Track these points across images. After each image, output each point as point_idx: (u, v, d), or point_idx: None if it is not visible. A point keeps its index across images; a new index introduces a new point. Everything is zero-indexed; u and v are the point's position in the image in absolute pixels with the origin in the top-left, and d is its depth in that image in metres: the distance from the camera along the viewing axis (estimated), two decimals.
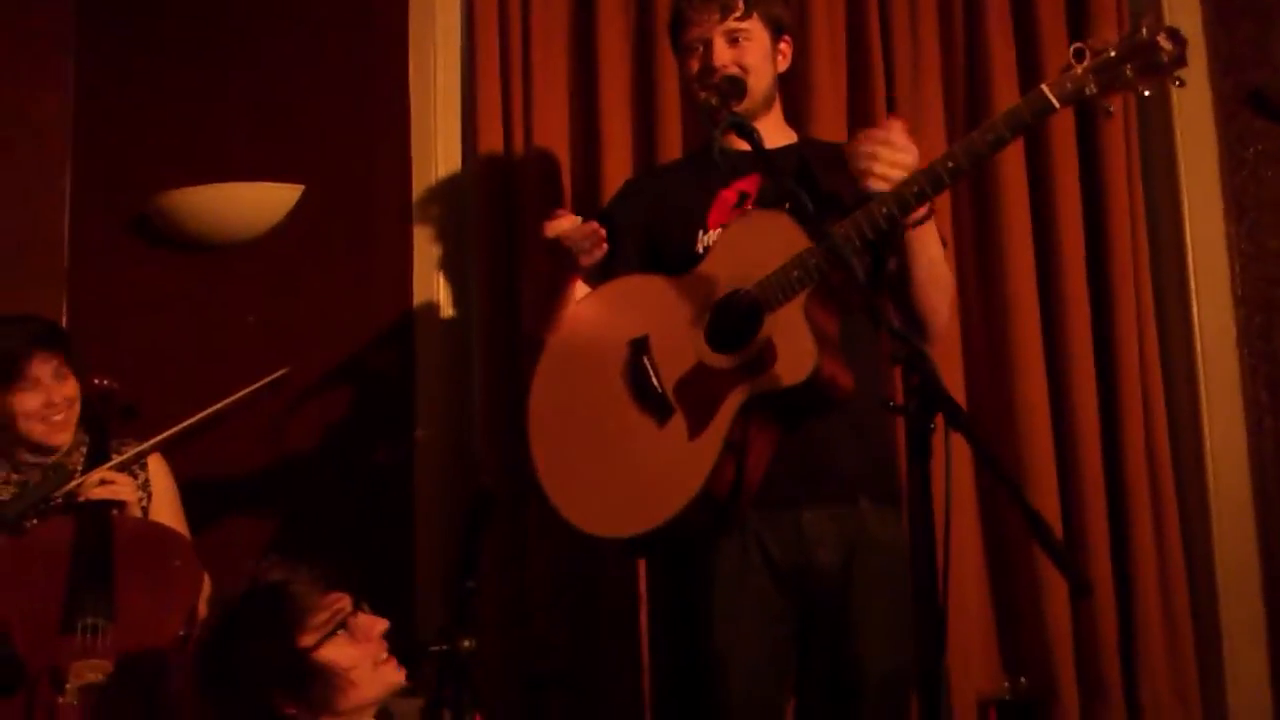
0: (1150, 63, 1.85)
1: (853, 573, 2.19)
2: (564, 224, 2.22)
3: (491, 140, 3.17)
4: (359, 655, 1.84)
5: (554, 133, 3.18)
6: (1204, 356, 2.93)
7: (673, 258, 2.31)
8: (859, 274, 1.99)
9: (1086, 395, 2.91)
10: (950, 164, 2.00)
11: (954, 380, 2.92)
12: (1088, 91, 1.89)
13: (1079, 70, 1.89)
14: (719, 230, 2.31)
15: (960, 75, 3.08)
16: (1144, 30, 1.86)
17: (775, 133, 2.40)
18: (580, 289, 2.36)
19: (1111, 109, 1.94)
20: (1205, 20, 3.01)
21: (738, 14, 2.33)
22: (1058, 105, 1.92)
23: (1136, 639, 2.84)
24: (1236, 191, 2.97)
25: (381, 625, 1.89)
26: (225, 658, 1.81)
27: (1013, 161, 2.97)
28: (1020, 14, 3.07)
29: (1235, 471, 2.89)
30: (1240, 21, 3.02)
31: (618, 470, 2.21)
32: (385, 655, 1.88)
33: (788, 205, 2.15)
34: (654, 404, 2.19)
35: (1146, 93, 1.91)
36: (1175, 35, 1.85)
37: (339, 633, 1.83)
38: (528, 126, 3.16)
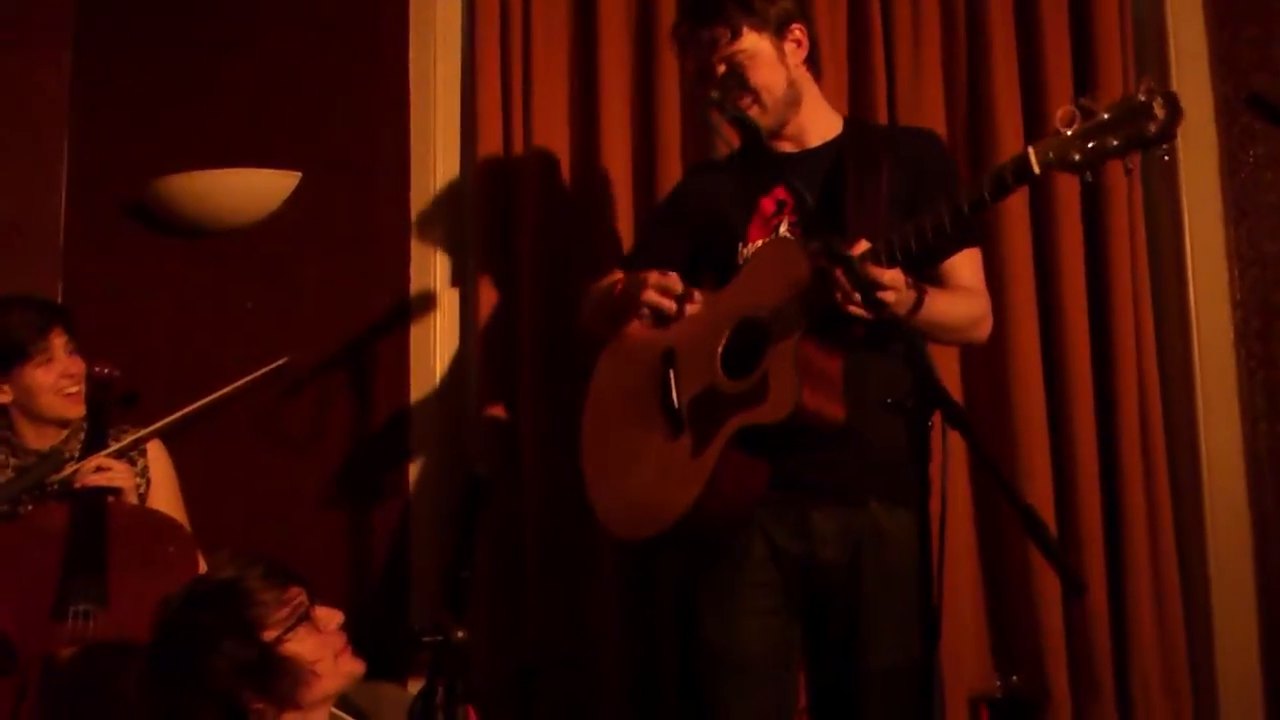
0: (1138, 133, 1.82)
1: (861, 569, 2.20)
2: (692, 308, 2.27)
3: (490, 133, 3.18)
4: (321, 647, 1.84)
5: (553, 128, 3.18)
6: (1201, 358, 2.93)
7: (716, 267, 2.32)
8: (843, 307, 1.99)
9: (1083, 396, 2.91)
10: (935, 222, 1.98)
11: (951, 380, 2.92)
12: (1073, 159, 1.87)
13: (1066, 135, 1.87)
14: (755, 245, 2.32)
15: (961, 75, 3.07)
16: (1142, 93, 1.83)
17: (815, 126, 2.38)
18: None
19: (1090, 179, 1.92)
20: (1207, 22, 3.00)
21: (727, 39, 2.29)
22: (1038, 172, 1.89)
23: (1129, 639, 2.85)
24: (1236, 194, 2.96)
25: (338, 617, 1.88)
26: (189, 657, 1.78)
27: None
28: (1022, 13, 3.06)
29: (1230, 474, 2.89)
30: (1242, 24, 3.01)
31: (636, 475, 2.28)
32: (344, 646, 1.88)
33: (805, 225, 2.18)
34: (671, 417, 2.25)
35: (1130, 168, 1.88)
36: (1172, 103, 1.82)
37: (301, 625, 1.83)
38: (527, 121, 3.16)
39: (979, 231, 2.42)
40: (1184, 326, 2.96)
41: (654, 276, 2.28)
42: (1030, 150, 1.90)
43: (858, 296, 1.98)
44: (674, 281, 2.27)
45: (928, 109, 3.02)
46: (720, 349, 2.20)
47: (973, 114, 3.05)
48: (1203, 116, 2.97)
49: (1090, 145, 1.85)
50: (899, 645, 2.11)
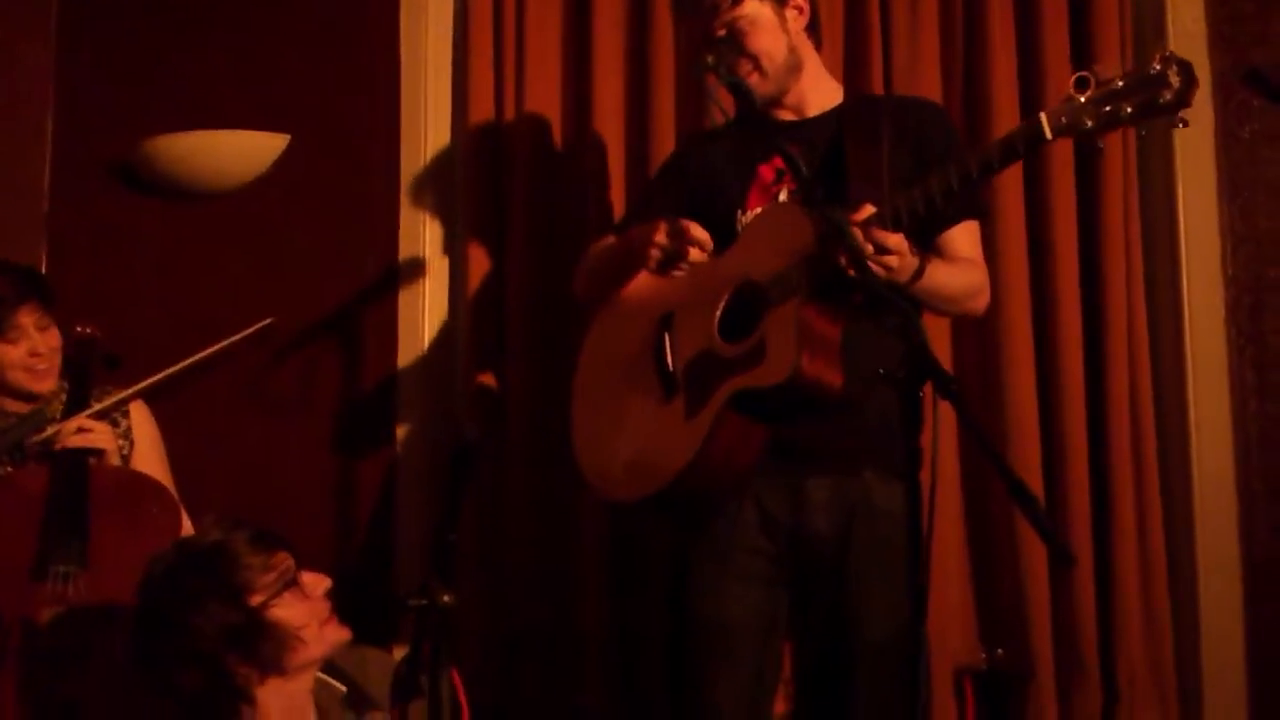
0: (1153, 101, 1.81)
1: (852, 539, 2.19)
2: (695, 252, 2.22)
3: (482, 99, 3.16)
4: (308, 613, 1.83)
5: (546, 95, 3.16)
6: (1192, 335, 2.93)
7: (714, 234, 2.28)
8: (848, 272, 1.97)
9: (1073, 370, 2.90)
10: (943, 186, 1.96)
11: (942, 354, 2.91)
12: (1084, 126, 1.86)
13: (1080, 100, 1.86)
14: (754, 212, 2.30)
15: (958, 47, 3.05)
16: (1156, 63, 1.82)
17: (815, 94, 2.36)
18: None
19: (1103, 146, 1.91)
20: None
21: (728, 4, 2.26)
22: (1050, 137, 1.88)
23: (1114, 615, 2.85)
24: (1231, 170, 2.95)
25: (325, 583, 1.88)
26: (174, 620, 1.78)
27: None
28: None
29: (1219, 451, 2.89)
30: (1240, 0, 2.99)
31: (627, 437, 2.26)
32: (329, 613, 1.87)
33: (802, 191, 2.15)
34: (665, 380, 2.22)
35: (1144, 132, 1.88)
36: (1187, 71, 1.81)
37: (288, 591, 1.82)
38: (520, 88, 3.14)
39: (981, 204, 2.41)
40: (1176, 302, 2.95)
41: (666, 221, 2.25)
42: (1042, 115, 1.88)
43: (862, 260, 1.97)
44: (688, 225, 2.22)
45: (924, 84, 2.99)
46: (719, 313, 2.17)
47: (969, 88, 3.04)
48: (1199, 91, 2.91)
49: (1103, 112, 1.83)
50: (887, 617, 2.10)
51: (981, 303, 2.35)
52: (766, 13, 2.29)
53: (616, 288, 2.39)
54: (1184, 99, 1.80)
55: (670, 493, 2.16)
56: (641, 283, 2.35)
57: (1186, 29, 2.97)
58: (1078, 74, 1.86)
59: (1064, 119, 1.86)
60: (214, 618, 1.77)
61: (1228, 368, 2.91)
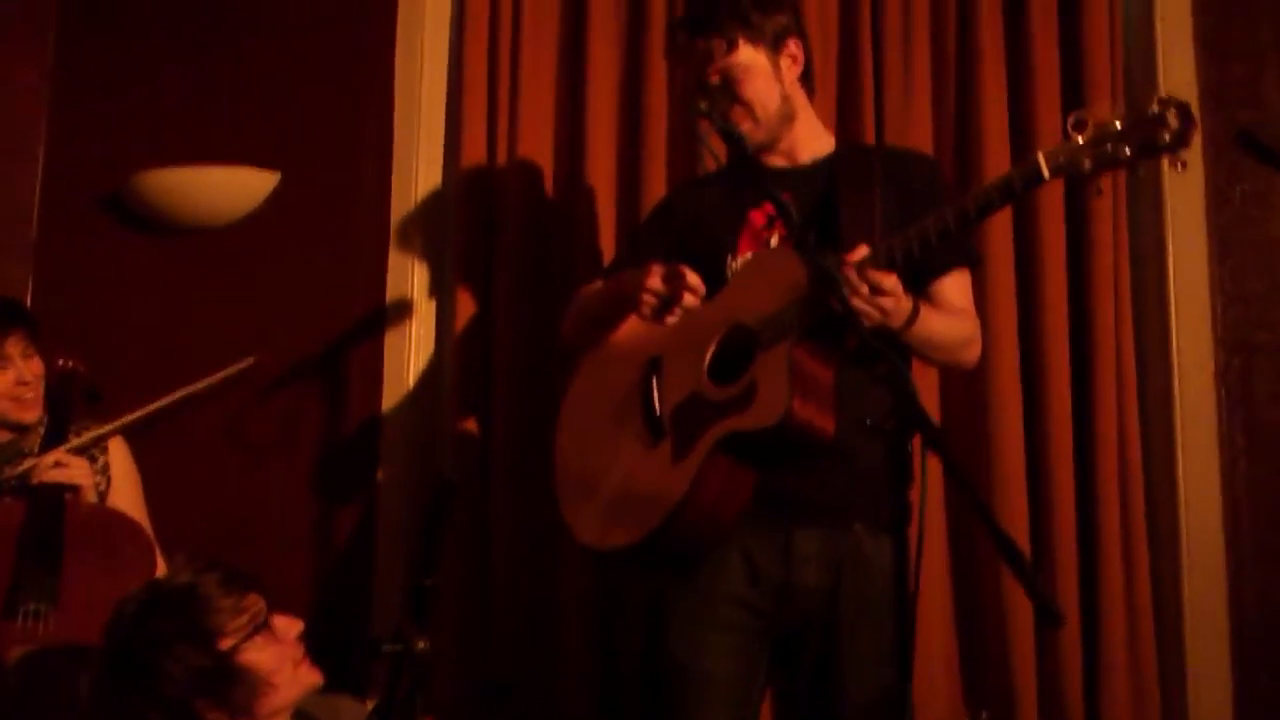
0: (1151, 141, 1.81)
1: (840, 593, 2.16)
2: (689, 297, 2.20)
3: (475, 142, 3.16)
4: (279, 657, 1.80)
5: (539, 139, 3.17)
6: (1181, 395, 2.91)
7: (704, 279, 2.26)
8: (842, 314, 1.95)
9: (1062, 428, 2.88)
10: (939, 225, 1.97)
11: (930, 402, 2.89)
12: (1083, 166, 1.86)
13: (1078, 141, 1.86)
14: (745, 257, 2.29)
15: (950, 105, 3.05)
16: (1155, 105, 1.82)
17: (807, 142, 2.37)
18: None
19: (1102, 189, 1.90)
20: (1197, 58, 3.00)
21: (723, 51, 2.27)
22: (1048, 176, 1.88)
23: (1101, 676, 2.81)
24: (1221, 231, 2.95)
25: (297, 626, 1.85)
26: (143, 663, 1.74)
27: None
28: (1010, 4, 3.06)
29: (1208, 512, 2.86)
30: (1232, 61, 3.01)
31: (612, 482, 2.23)
32: (302, 656, 1.84)
33: (793, 237, 2.13)
34: (652, 424, 2.20)
35: (1140, 173, 1.88)
36: (1185, 113, 1.81)
37: (259, 634, 1.78)
38: (512, 131, 3.15)
39: (973, 253, 2.41)
40: (1165, 362, 2.94)
41: (660, 265, 2.23)
42: (1040, 155, 1.88)
43: (856, 300, 1.96)
44: (683, 269, 2.20)
45: (916, 132, 3.00)
46: (708, 357, 2.15)
47: (960, 141, 3.04)
48: (1190, 151, 2.94)
49: (1102, 152, 1.83)
50: (874, 675, 2.07)
51: (973, 354, 2.34)
52: (761, 61, 2.30)
53: (605, 332, 2.37)
54: (1183, 139, 1.80)
55: (655, 539, 2.12)
56: (630, 327, 2.33)
57: (1177, 88, 2.97)
58: (1075, 115, 1.86)
59: (1062, 159, 1.86)
60: (183, 662, 1.73)
61: (1217, 429, 2.89)
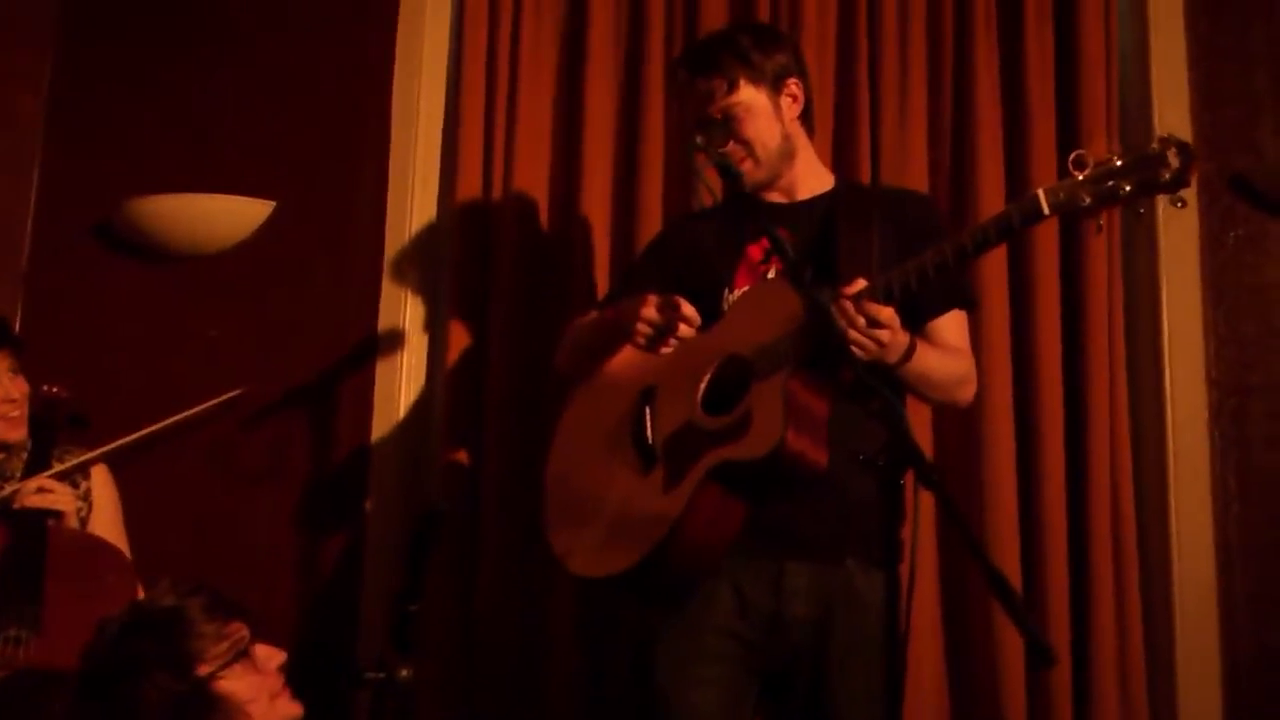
0: (1152, 179, 1.81)
1: (831, 630, 2.15)
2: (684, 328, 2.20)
3: (470, 175, 3.16)
4: (258, 686, 1.76)
5: (534, 173, 3.17)
6: (1174, 438, 2.90)
7: (701, 311, 2.26)
8: (835, 347, 1.95)
9: (1055, 466, 2.87)
10: (937, 260, 1.97)
11: (923, 438, 2.88)
12: (1082, 203, 1.86)
13: (1078, 178, 1.86)
14: (741, 290, 2.29)
15: (945, 145, 3.07)
16: (1155, 143, 1.83)
17: (806, 180, 2.38)
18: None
19: (1102, 226, 1.91)
20: (1192, 103, 3.02)
21: (723, 91, 2.28)
22: (1048, 213, 1.89)
23: (1091, 716, 2.79)
24: (1215, 275, 2.96)
25: (279, 657, 1.81)
26: (120, 685, 1.71)
27: None
28: (1007, 48, 3.07)
29: (1200, 554, 2.85)
30: (1226, 106, 3.03)
31: (602, 510, 2.22)
32: (281, 687, 1.80)
33: (789, 270, 2.13)
34: (644, 453, 2.19)
35: (1140, 211, 1.88)
36: (1185, 151, 1.81)
37: (238, 662, 1.76)
38: (508, 165, 3.15)
39: (969, 294, 2.41)
40: (1159, 403, 2.94)
41: (656, 295, 2.23)
42: (1040, 191, 1.89)
43: (853, 332, 1.95)
44: (679, 300, 2.20)
45: (912, 170, 3.01)
46: (702, 387, 2.15)
47: (955, 183, 3.05)
48: (1188, 192, 2.96)
49: (1102, 189, 1.83)
50: (864, 711, 2.06)
51: (968, 392, 2.33)
52: (762, 100, 2.31)
53: (599, 363, 2.36)
54: (1183, 178, 1.81)
55: (645, 567, 2.10)
56: (624, 358, 2.32)
57: (1172, 133, 2.98)
58: (1076, 154, 1.86)
59: (1061, 195, 1.87)
60: (159, 686, 1.69)
61: (1210, 471, 2.89)
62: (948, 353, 2.26)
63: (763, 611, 2.17)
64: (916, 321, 2.22)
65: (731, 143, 2.26)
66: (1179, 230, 2.97)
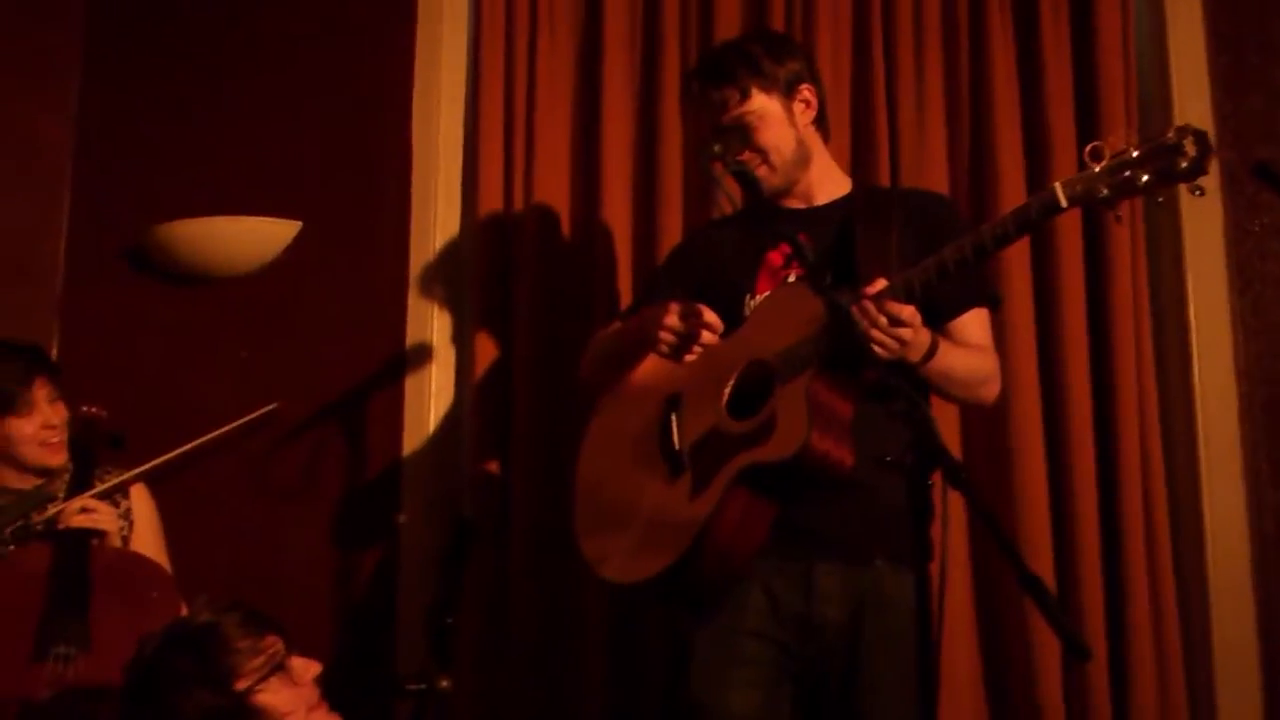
0: (1169, 168, 1.82)
1: (862, 631, 2.15)
2: (707, 335, 2.22)
3: (491, 189, 3.18)
4: (294, 700, 1.79)
5: (555, 184, 3.19)
6: (1205, 428, 2.90)
7: (723, 318, 2.28)
8: (857, 347, 1.97)
9: (1085, 461, 2.87)
10: (956, 256, 1.98)
11: (951, 437, 2.89)
12: (1100, 194, 1.86)
13: (1095, 170, 1.87)
14: (762, 296, 2.30)
15: (964, 143, 3.07)
16: (1171, 133, 1.83)
17: (823, 184, 2.39)
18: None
19: (1121, 215, 1.91)
20: (1213, 93, 3.01)
21: (736, 100, 2.30)
22: (1065, 205, 1.90)
23: (1130, 713, 2.78)
24: (1241, 264, 2.95)
25: (315, 669, 1.84)
26: (160, 703, 1.74)
27: None
28: (1024, 44, 3.08)
29: (1234, 542, 2.84)
30: (1248, 95, 3.02)
31: (631, 517, 2.23)
32: (318, 699, 1.83)
33: (810, 274, 2.14)
34: (671, 460, 2.21)
35: (1160, 199, 1.88)
36: (1202, 141, 1.81)
37: (275, 676, 1.78)
38: (529, 178, 3.17)
39: (991, 293, 2.41)
40: (1188, 395, 2.93)
41: (678, 303, 2.25)
42: (1057, 184, 1.89)
43: (875, 332, 1.96)
44: (701, 308, 2.22)
45: (931, 172, 3.02)
46: (727, 392, 2.16)
47: (975, 180, 3.05)
48: (1208, 186, 2.94)
49: (1119, 180, 1.83)
50: (898, 712, 2.06)
51: (992, 390, 2.34)
52: (775, 107, 2.33)
53: (623, 372, 2.38)
54: (1200, 166, 1.81)
55: (675, 571, 2.11)
56: (648, 366, 2.34)
57: (1193, 123, 2.97)
58: (1093, 145, 1.87)
59: (1079, 187, 1.87)
60: (198, 702, 1.73)
61: (1242, 461, 2.88)
62: (971, 351, 2.27)
63: (794, 613, 2.18)
64: (938, 320, 2.23)
65: (747, 151, 2.28)
66: (1203, 220, 2.97)
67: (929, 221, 2.30)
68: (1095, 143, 1.87)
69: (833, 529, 2.18)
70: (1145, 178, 1.83)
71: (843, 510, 2.16)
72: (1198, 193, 1.85)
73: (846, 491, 2.11)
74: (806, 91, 2.37)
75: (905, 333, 2.01)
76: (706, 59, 2.52)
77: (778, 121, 2.32)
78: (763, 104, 2.31)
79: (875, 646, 2.14)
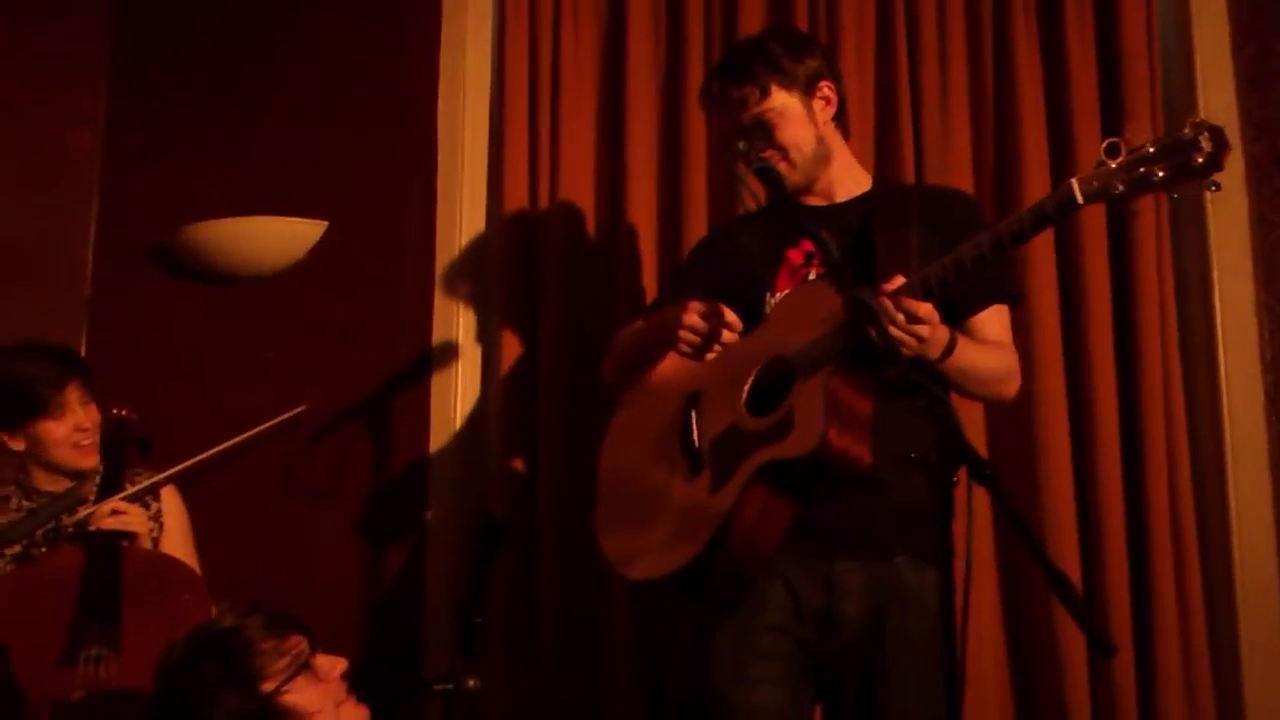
0: (1185, 164, 1.81)
1: (884, 628, 2.16)
2: (727, 334, 2.23)
3: (517, 188, 3.20)
4: (322, 697, 1.80)
5: (579, 181, 3.20)
6: (1231, 423, 2.88)
7: (743, 318, 2.28)
8: (878, 342, 1.96)
9: (1110, 460, 2.86)
10: (974, 253, 1.98)
11: (976, 434, 2.88)
12: (1116, 190, 1.86)
13: (1111, 166, 1.86)
14: (783, 294, 2.31)
15: (988, 137, 3.06)
16: (1187, 129, 1.82)
17: (844, 182, 2.39)
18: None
19: (1137, 210, 1.91)
20: (1238, 84, 2.99)
21: (756, 98, 2.30)
22: (1081, 201, 1.89)
23: (1157, 710, 2.78)
24: (1266, 255, 2.93)
25: (341, 665, 1.85)
26: (189, 708, 1.76)
27: None
28: (1048, 40, 3.06)
29: (1261, 539, 2.82)
30: (1273, 87, 3.00)
31: (652, 514, 2.24)
32: (345, 694, 1.85)
33: (832, 271, 2.14)
34: (691, 457, 2.21)
35: (1176, 195, 1.88)
36: (1218, 136, 1.81)
37: (300, 675, 1.80)
38: (554, 176, 3.19)
39: (1012, 289, 2.40)
40: (1214, 389, 2.91)
41: (698, 302, 2.25)
42: (1074, 181, 1.89)
43: (893, 329, 1.97)
44: (721, 307, 2.22)
45: (955, 168, 3.01)
46: (746, 389, 2.17)
47: (999, 176, 3.04)
48: (1233, 178, 2.95)
49: (1135, 176, 1.83)
50: (920, 710, 2.06)
51: (1012, 387, 2.33)
52: (794, 105, 2.33)
53: (645, 370, 2.39)
54: (1216, 163, 1.80)
55: (695, 567, 2.12)
56: (669, 364, 2.35)
57: (1218, 115, 2.95)
58: (1109, 140, 1.86)
59: (1095, 184, 1.86)
60: (226, 706, 1.74)
61: (1268, 454, 2.86)
62: (990, 348, 2.27)
63: (815, 610, 2.19)
64: (958, 317, 2.23)
65: (768, 148, 2.28)
66: (1228, 214, 2.95)
67: (949, 218, 2.30)
68: (1111, 139, 1.87)
69: (853, 526, 2.18)
70: (1161, 174, 1.82)
71: (864, 507, 2.16)
72: (1213, 188, 1.84)
73: (867, 488, 2.12)
74: (826, 88, 2.37)
75: (923, 329, 2.01)
76: (726, 58, 2.53)
77: (797, 119, 2.33)
78: (783, 101, 2.32)
79: (896, 643, 2.14)
